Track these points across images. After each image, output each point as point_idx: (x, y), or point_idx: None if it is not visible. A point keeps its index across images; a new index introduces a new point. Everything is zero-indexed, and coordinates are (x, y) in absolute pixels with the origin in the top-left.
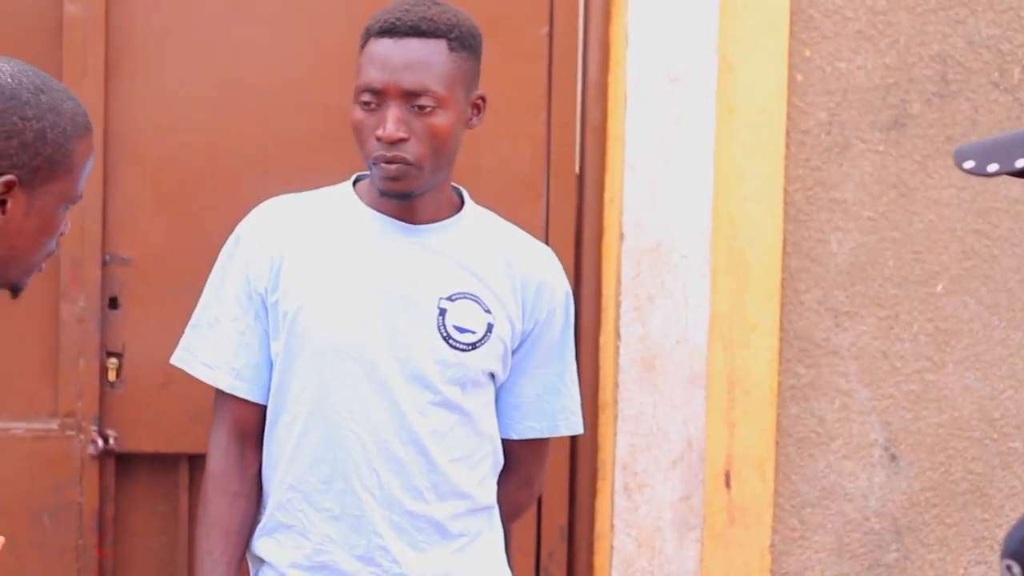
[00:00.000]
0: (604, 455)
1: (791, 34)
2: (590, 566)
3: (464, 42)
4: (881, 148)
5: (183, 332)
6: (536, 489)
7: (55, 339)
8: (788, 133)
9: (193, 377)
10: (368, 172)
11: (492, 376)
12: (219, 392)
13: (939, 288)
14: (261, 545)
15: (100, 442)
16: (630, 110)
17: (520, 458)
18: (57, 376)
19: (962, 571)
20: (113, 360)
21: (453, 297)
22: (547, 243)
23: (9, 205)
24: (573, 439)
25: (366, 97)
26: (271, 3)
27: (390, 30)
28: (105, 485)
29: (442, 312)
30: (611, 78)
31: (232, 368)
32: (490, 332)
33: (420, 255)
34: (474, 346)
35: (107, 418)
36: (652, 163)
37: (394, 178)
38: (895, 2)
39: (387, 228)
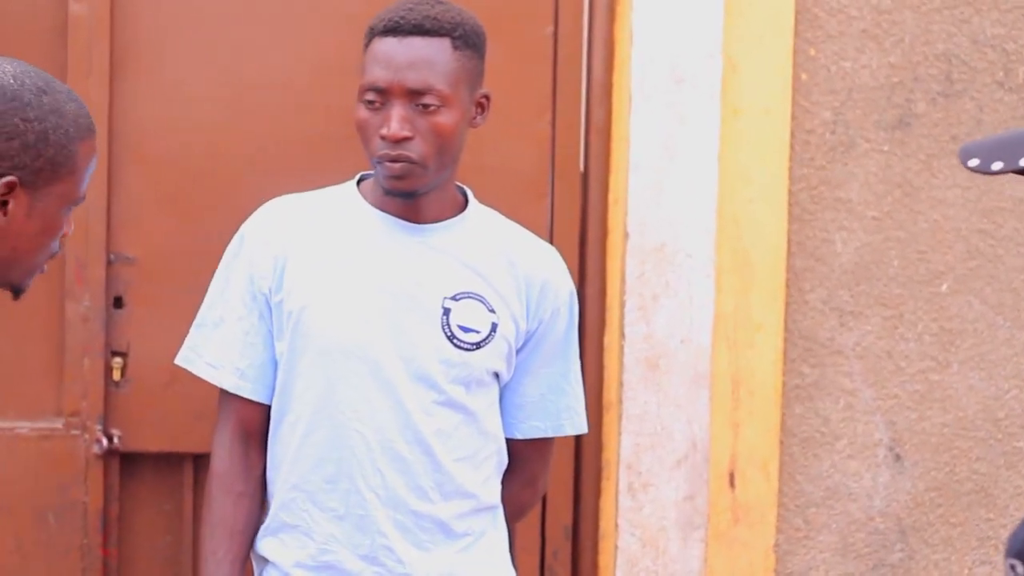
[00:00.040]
0: (608, 455)
1: (796, 33)
2: (594, 565)
3: (468, 41)
4: (886, 147)
5: (188, 331)
6: (540, 489)
7: (60, 338)
8: (793, 133)
9: (198, 377)
10: (372, 171)
11: (496, 376)
12: (223, 392)
13: (944, 288)
14: (265, 545)
15: (105, 441)
16: (635, 110)
17: (524, 458)
18: (62, 375)
19: (967, 571)
20: (118, 359)
21: (457, 297)
22: (551, 243)
23: (11, 206)
24: (577, 438)
25: (370, 96)
26: (275, 3)
27: (394, 29)
28: (110, 484)
29: (446, 312)
30: (616, 78)
31: (236, 368)
32: (494, 332)
33: (425, 254)
34: (478, 346)
35: (112, 417)
36: (657, 163)
37: (399, 177)
38: (900, 1)
39: (391, 227)
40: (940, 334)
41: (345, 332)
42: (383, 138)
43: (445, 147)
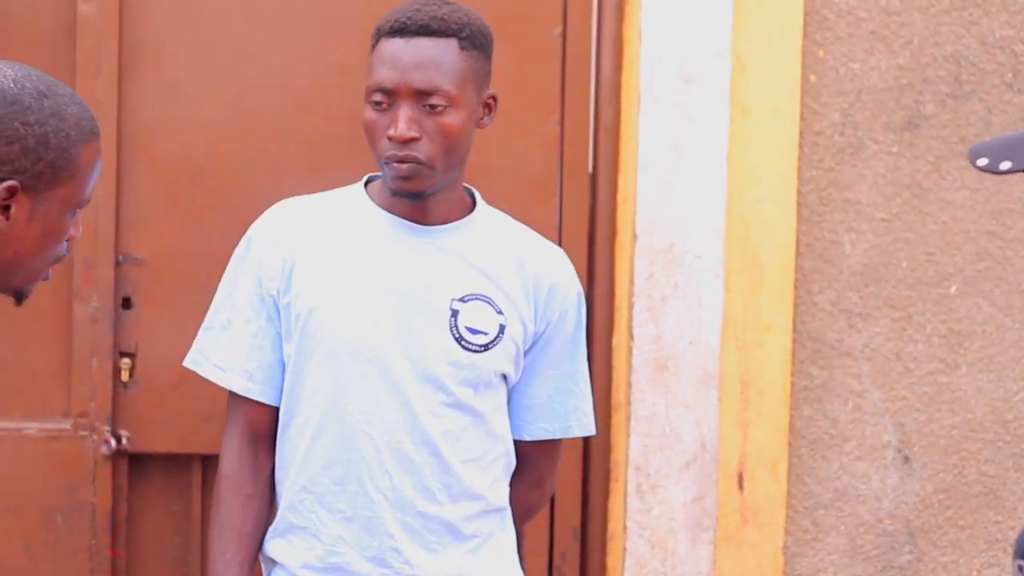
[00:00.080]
0: (617, 456)
1: (805, 35)
2: (603, 567)
3: (475, 41)
4: (895, 149)
5: (196, 332)
6: (548, 490)
7: (68, 339)
8: (801, 134)
9: (206, 378)
10: (380, 173)
11: (504, 377)
12: (232, 394)
13: (952, 290)
14: (273, 546)
15: (113, 442)
16: (643, 110)
17: (532, 459)
18: (70, 376)
19: (975, 573)
20: (126, 360)
21: (465, 298)
22: (560, 244)
23: (13, 211)
24: (586, 440)
25: (377, 97)
26: (283, 4)
27: (401, 30)
28: (118, 485)
29: (454, 313)
30: (624, 78)
31: (245, 370)
32: (502, 333)
33: (433, 256)
34: (486, 347)
35: (120, 418)
36: (665, 163)
37: (406, 177)
38: (909, 3)
39: (399, 229)
40: (949, 336)
41: (353, 334)
42: (390, 139)
43: (452, 148)
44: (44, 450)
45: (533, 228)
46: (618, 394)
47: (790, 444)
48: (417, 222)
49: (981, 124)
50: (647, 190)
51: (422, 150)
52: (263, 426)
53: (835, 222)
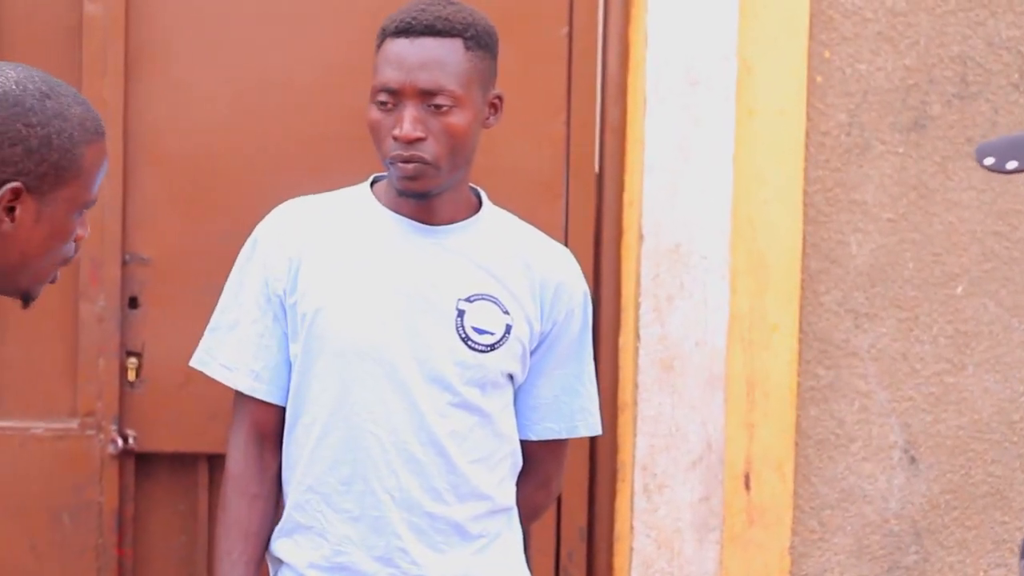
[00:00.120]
0: (623, 456)
1: (811, 36)
2: (609, 567)
3: (480, 41)
4: (901, 150)
5: (203, 332)
6: (554, 490)
7: (75, 339)
8: (808, 135)
9: (213, 377)
10: (386, 173)
11: (511, 377)
12: (238, 394)
13: (959, 290)
14: (280, 546)
15: (120, 442)
16: (650, 111)
17: (538, 459)
18: (77, 376)
19: (982, 573)
20: (133, 360)
21: (472, 298)
22: (566, 244)
23: (18, 212)
24: (592, 440)
25: (382, 97)
26: (290, 4)
27: (406, 30)
28: (125, 485)
29: (460, 313)
30: (631, 79)
31: (251, 370)
32: (508, 333)
33: (439, 256)
34: (493, 347)
35: (127, 418)
36: (672, 164)
37: (411, 177)
38: (915, 3)
39: (405, 229)
40: (955, 336)
41: (360, 334)
42: (396, 139)
43: (458, 148)
44: (51, 449)
45: (539, 229)
46: (624, 394)
47: (796, 444)
48: (423, 222)
49: (987, 125)
50: (653, 191)
51: (427, 150)
52: (269, 426)
53: (841, 223)
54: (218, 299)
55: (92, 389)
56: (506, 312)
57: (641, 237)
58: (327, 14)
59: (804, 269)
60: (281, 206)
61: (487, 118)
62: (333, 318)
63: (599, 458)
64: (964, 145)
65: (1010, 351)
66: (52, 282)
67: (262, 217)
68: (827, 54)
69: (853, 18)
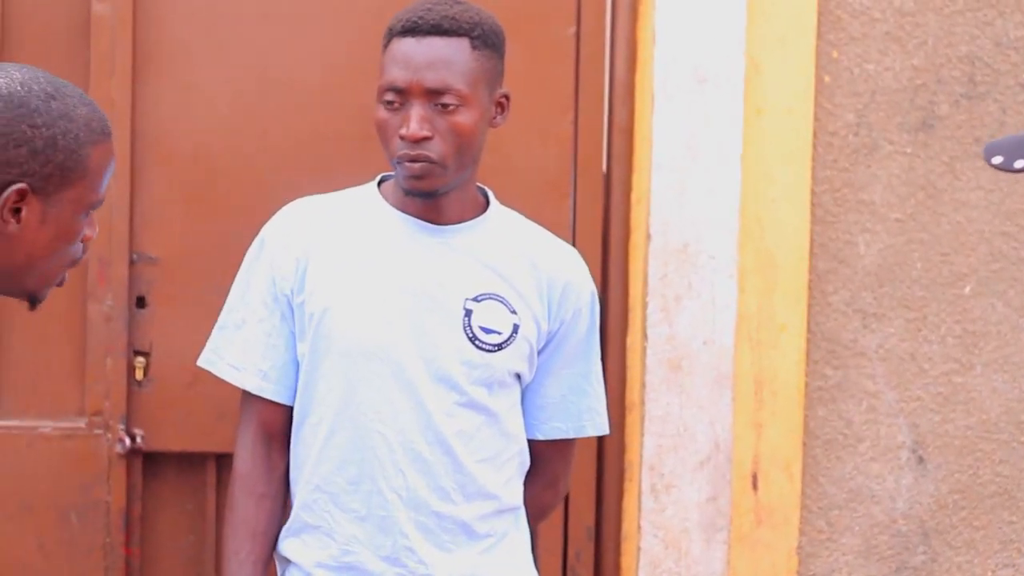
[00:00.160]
0: (631, 456)
1: (819, 35)
2: (617, 567)
3: (487, 40)
4: (909, 150)
5: (210, 331)
6: (562, 490)
7: (83, 338)
8: (816, 134)
9: (220, 377)
10: (393, 173)
11: (518, 377)
12: (246, 393)
13: (967, 290)
14: (287, 545)
15: (127, 441)
16: (657, 110)
17: (546, 459)
18: (84, 375)
19: (989, 574)
20: (140, 359)
21: (479, 298)
22: (574, 243)
23: (23, 213)
24: (600, 440)
25: (389, 96)
26: (297, 3)
27: (412, 29)
28: (132, 484)
29: (468, 313)
30: (638, 78)
31: (259, 369)
32: (516, 333)
33: (446, 256)
34: (500, 347)
35: (134, 417)
36: (679, 163)
37: (418, 177)
38: (923, 3)
39: (412, 229)
40: (963, 336)
41: (367, 333)
42: (402, 138)
43: (464, 147)
44: (59, 449)
45: (547, 228)
46: (632, 394)
47: (804, 444)
48: (430, 222)
49: (995, 124)
50: (661, 190)
51: (434, 149)
52: (277, 425)
53: (849, 222)
54: (226, 299)
55: (100, 388)
56: (513, 312)
57: (649, 236)
58: (334, 14)
59: (812, 269)
60: (288, 206)
61: (494, 117)
62: (340, 318)
63: (607, 458)
64: (972, 145)
65: (1018, 351)
66: (59, 285)
67: (269, 217)
68: (835, 54)
69: (861, 18)
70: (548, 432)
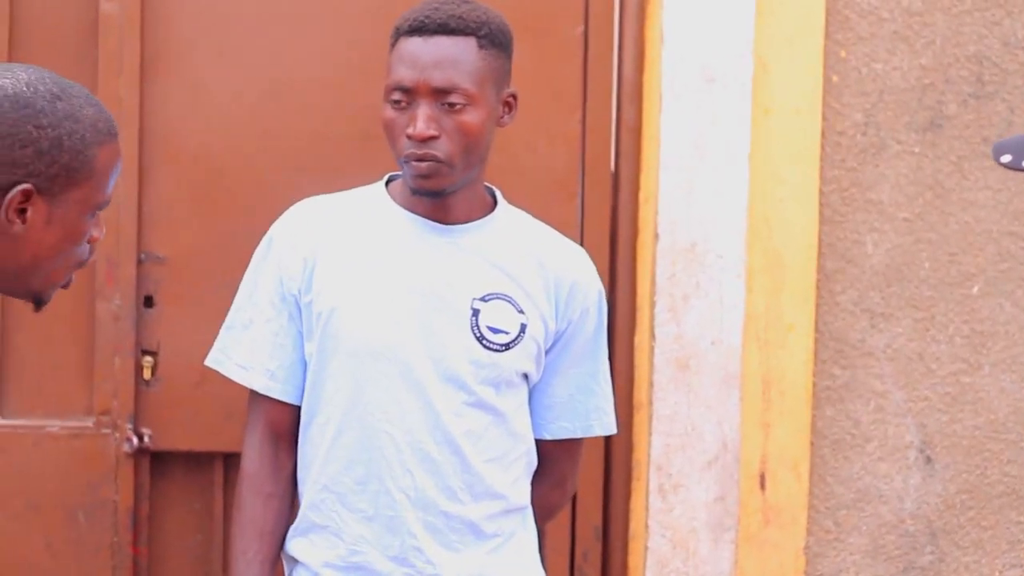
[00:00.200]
0: (639, 455)
1: (827, 35)
2: (624, 567)
3: (494, 40)
4: (917, 149)
5: (218, 331)
6: (569, 489)
7: (90, 337)
8: (824, 134)
9: (228, 376)
10: (401, 172)
11: (526, 376)
12: (253, 393)
13: (975, 290)
14: (295, 545)
15: (135, 440)
16: (665, 110)
17: (553, 458)
18: (92, 374)
19: (997, 574)
20: (148, 358)
21: (486, 298)
22: (582, 243)
23: (29, 214)
24: (608, 439)
25: (396, 96)
26: (305, 3)
27: (419, 28)
28: (140, 483)
29: (475, 312)
30: (646, 78)
31: (266, 369)
32: (523, 332)
33: (454, 255)
34: (507, 347)
35: (142, 416)
36: (687, 163)
37: (425, 176)
38: (931, 3)
39: (420, 228)
40: (971, 336)
41: (375, 333)
42: (409, 137)
43: (471, 146)
44: (66, 448)
45: (555, 228)
46: (640, 393)
47: (812, 444)
48: (438, 221)
49: (1003, 124)
50: (669, 190)
51: (441, 148)
52: (284, 425)
53: (857, 222)
54: (233, 298)
55: (108, 388)
56: (521, 311)
57: (657, 236)
58: (342, 14)
59: (820, 269)
60: (296, 205)
61: (501, 117)
62: (348, 317)
63: (614, 457)
64: (980, 145)
65: None
66: (65, 287)
67: (277, 216)
68: (843, 53)
69: (869, 17)
70: (555, 432)
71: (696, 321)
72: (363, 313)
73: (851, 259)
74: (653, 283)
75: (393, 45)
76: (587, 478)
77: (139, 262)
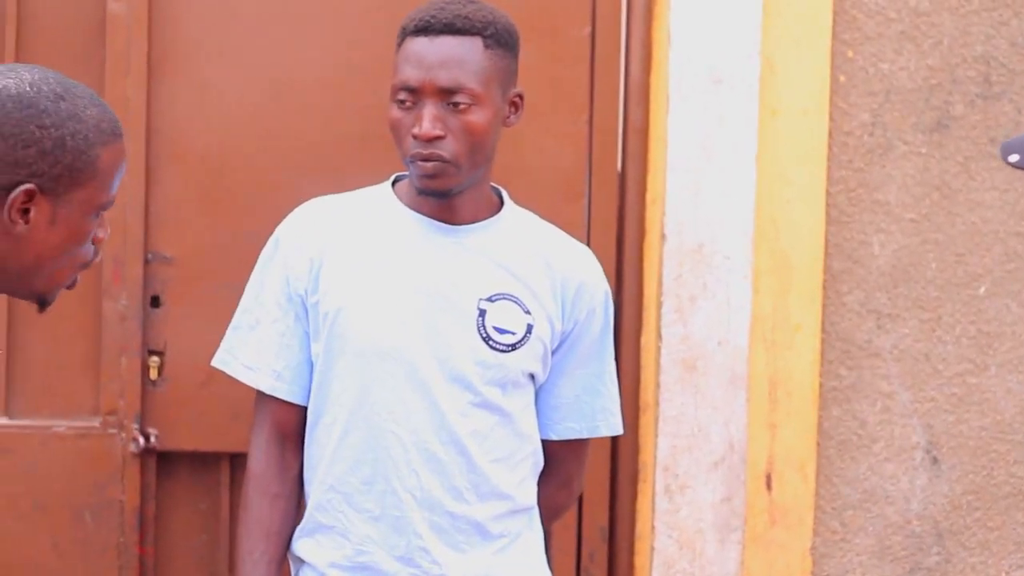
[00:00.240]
0: (645, 456)
1: (834, 35)
2: (631, 567)
3: (500, 39)
4: (924, 150)
5: (224, 331)
6: (575, 490)
7: (97, 337)
8: (831, 134)
9: (234, 377)
10: (407, 172)
11: (532, 377)
12: (260, 393)
13: (982, 290)
14: (301, 546)
15: (141, 440)
16: (672, 111)
17: (559, 459)
18: (99, 374)
19: (1004, 575)
20: (155, 358)
21: (493, 298)
22: (588, 244)
23: (32, 214)
24: (614, 440)
25: (402, 95)
26: (312, 4)
27: (425, 28)
28: (146, 483)
29: (482, 313)
30: (653, 79)
31: (273, 370)
32: (530, 333)
33: (460, 255)
34: (514, 347)
35: (148, 416)
36: (694, 164)
37: (431, 176)
38: (938, 3)
39: (426, 228)
40: (978, 337)
41: (381, 334)
42: (415, 137)
43: (477, 146)
44: (73, 448)
45: (562, 228)
46: (646, 394)
47: (818, 445)
48: (444, 221)
49: (1011, 125)
50: (676, 191)
51: (447, 148)
52: (291, 425)
53: (864, 223)
54: (240, 298)
55: (114, 388)
56: (527, 312)
57: (663, 237)
58: (348, 14)
59: (827, 269)
60: (302, 206)
61: (507, 117)
62: (354, 318)
63: (621, 458)
64: (987, 145)
65: None
66: (70, 288)
67: (284, 216)
68: (850, 54)
69: (876, 18)
70: (562, 432)
71: (703, 322)
72: (369, 313)
73: (858, 260)
74: (660, 284)
75: (399, 45)
76: (593, 479)
77: (146, 262)
